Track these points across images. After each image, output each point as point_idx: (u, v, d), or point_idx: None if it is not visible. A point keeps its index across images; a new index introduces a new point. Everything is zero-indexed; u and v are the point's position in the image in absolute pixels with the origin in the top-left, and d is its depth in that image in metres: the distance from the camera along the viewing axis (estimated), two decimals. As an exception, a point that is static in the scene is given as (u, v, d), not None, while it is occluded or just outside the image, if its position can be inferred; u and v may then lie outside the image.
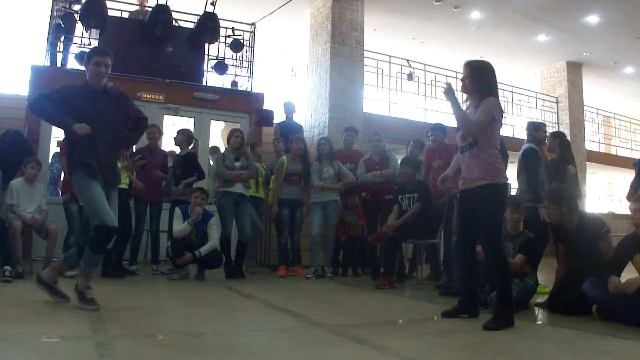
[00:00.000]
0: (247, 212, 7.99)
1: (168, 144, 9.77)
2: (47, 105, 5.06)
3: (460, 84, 4.92)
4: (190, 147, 8.50)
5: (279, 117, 11.14)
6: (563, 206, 5.40)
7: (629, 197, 7.08)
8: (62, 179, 8.67)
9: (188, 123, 11.00)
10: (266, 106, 11.22)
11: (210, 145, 10.91)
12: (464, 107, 4.81)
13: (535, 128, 7.26)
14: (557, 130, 8.43)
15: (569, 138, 17.04)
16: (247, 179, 7.96)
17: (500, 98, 14.27)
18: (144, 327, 4.12)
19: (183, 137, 8.38)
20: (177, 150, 8.64)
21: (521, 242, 5.62)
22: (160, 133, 8.64)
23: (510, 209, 5.68)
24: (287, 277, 8.06)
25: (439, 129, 8.08)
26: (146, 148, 8.16)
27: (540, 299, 5.82)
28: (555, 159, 7.60)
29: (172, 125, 9.89)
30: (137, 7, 11.35)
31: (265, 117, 9.45)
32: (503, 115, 4.84)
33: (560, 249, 5.64)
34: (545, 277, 6.64)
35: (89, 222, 7.61)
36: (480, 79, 4.72)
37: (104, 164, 4.94)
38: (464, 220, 4.82)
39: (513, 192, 7.69)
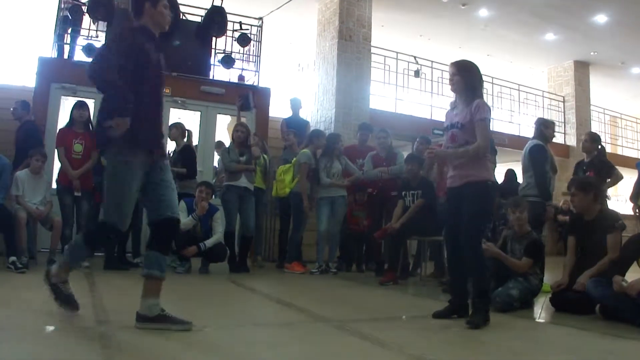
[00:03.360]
0: (252, 206, 7.99)
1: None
2: (115, 75, 3.76)
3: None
4: (185, 139, 8.50)
5: (285, 113, 11.13)
6: (590, 193, 5.40)
7: (632, 198, 7.08)
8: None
9: (194, 116, 11.03)
10: (272, 101, 11.26)
11: (215, 140, 10.91)
12: (450, 109, 4.91)
13: (546, 125, 7.25)
14: (593, 132, 8.48)
15: (575, 137, 17.18)
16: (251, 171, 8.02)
17: (507, 96, 14.31)
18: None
19: (177, 131, 8.38)
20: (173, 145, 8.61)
21: (526, 244, 5.60)
22: None
23: (510, 210, 5.69)
24: (289, 273, 8.04)
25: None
26: None
27: (544, 298, 5.82)
28: (587, 161, 7.61)
29: (178, 119, 9.88)
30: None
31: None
32: (491, 111, 4.82)
33: (571, 240, 5.62)
34: (550, 276, 6.63)
35: (90, 214, 7.69)
36: (470, 74, 4.74)
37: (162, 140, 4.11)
38: (453, 219, 4.79)
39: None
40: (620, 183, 7.69)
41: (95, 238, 4.12)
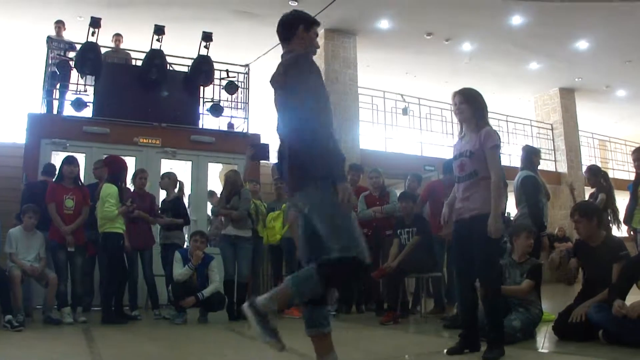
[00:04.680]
0: (244, 254, 7.93)
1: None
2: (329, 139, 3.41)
3: (452, 115, 4.94)
4: (176, 190, 8.55)
5: (275, 157, 11.16)
6: (593, 219, 5.41)
7: (626, 221, 7.11)
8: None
9: (185, 166, 11.03)
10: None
11: (208, 189, 10.91)
12: (455, 137, 4.90)
13: (535, 153, 7.32)
14: (593, 165, 8.78)
15: (566, 164, 17.29)
16: (236, 219, 7.93)
17: (496, 127, 14.37)
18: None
19: (169, 181, 8.46)
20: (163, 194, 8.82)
21: (529, 268, 5.59)
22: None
23: (525, 235, 5.68)
24: (289, 318, 7.98)
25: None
26: (135, 194, 8.10)
27: (546, 327, 5.78)
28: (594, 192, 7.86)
29: (169, 169, 9.91)
30: (111, 47, 11.49)
31: (261, 152, 9.43)
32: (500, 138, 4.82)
33: (573, 262, 5.63)
34: (548, 304, 6.60)
35: (84, 270, 7.68)
36: (476, 102, 4.75)
37: None
38: (462, 251, 4.75)
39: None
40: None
41: (336, 273, 3.46)
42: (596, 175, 7.97)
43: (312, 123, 3.38)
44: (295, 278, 3.47)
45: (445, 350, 4.65)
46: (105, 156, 8.64)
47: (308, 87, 3.48)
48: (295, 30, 3.72)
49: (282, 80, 3.67)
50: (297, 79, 3.53)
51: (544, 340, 5.40)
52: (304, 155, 3.42)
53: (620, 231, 7.76)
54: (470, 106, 4.71)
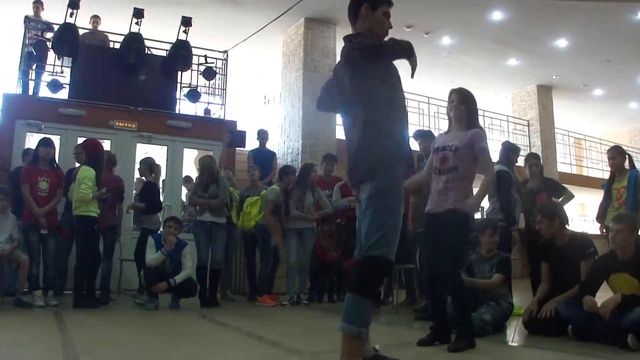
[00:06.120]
0: (219, 240, 7.93)
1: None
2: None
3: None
4: (152, 174, 8.53)
5: (252, 145, 11.14)
6: (555, 219, 5.48)
7: (598, 218, 7.17)
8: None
9: (161, 151, 10.96)
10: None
11: (183, 175, 10.87)
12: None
13: (513, 150, 7.35)
14: (534, 153, 8.67)
15: (541, 160, 17.40)
16: (215, 207, 7.92)
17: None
18: (117, 359, 4.06)
19: (144, 167, 8.51)
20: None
21: (497, 261, 5.66)
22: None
23: (489, 232, 5.74)
24: (261, 306, 7.98)
25: (424, 135, 7.86)
26: (110, 177, 8.00)
27: (516, 321, 5.83)
28: (537, 185, 7.76)
29: (145, 154, 9.84)
30: (89, 29, 11.37)
31: (238, 139, 9.40)
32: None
33: (545, 267, 5.67)
34: (521, 298, 6.65)
35: (58, 253, 7.60)
36: (472, 104, 4.90)
37: None
38: (433, 244, 4.83)
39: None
40: (588, 204, 7.86)
41: (373, 277, 3.56)
42: (537, 159, 7.95)
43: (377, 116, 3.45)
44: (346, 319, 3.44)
45: (416, 341, 4.68)
46: (80, 139, 8.56)
47: (366, 80, 3.52)
48: (358, 9, 3.53)
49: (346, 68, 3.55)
50: (357, 71, 3.50)
51: (514, 334, 5.46)
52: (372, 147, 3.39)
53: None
54: (466, 107, 4.85)
